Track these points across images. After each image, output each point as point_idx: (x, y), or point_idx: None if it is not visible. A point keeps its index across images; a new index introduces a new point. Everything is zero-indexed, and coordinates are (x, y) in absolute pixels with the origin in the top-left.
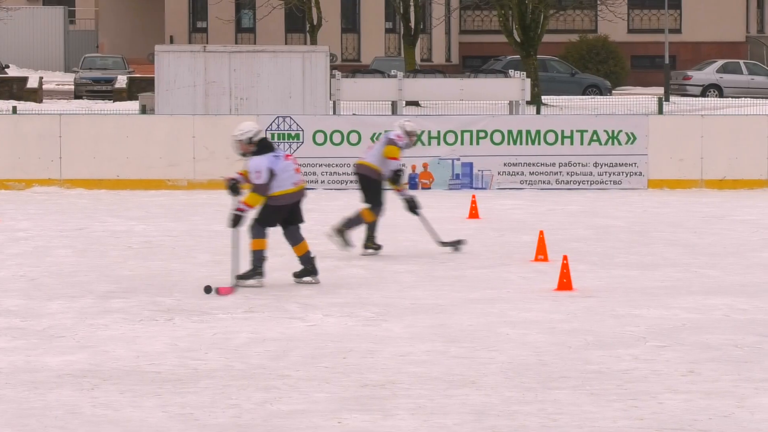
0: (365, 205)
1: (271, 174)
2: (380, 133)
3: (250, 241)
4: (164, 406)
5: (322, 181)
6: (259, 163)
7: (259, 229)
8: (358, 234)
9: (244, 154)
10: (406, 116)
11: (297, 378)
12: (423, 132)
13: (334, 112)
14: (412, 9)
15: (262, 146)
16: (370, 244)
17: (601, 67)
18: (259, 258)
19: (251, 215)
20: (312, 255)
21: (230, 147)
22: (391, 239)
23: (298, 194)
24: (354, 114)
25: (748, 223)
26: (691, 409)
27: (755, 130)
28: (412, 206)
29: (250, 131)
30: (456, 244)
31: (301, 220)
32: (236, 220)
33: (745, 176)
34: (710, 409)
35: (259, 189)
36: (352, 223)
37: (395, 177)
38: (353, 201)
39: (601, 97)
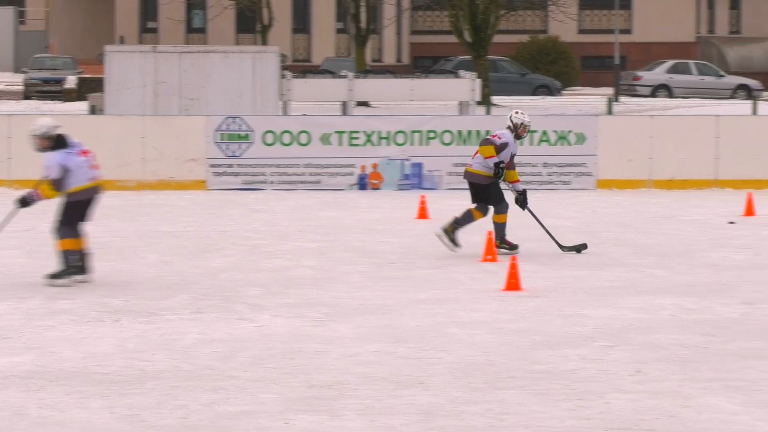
0: (491, 210)
1: (65, 170)
2: (330, 134)
3: (58, 242)
4: (111, 407)
5: (272, 182)
6: (51, 159)
7: (64, 230)
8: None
9: (40, 150)
10: (517, 108)
11: (244, 379)
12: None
13: (284, 113)
14: (363, 9)
15: (57, 142)
16: (499, 243)
17: (551, 68)
18: (70, 257)
19: (41, 203)
20: (84, 254)
21: (180, 147)
22: (340, 240)
23: (94, 189)
24: (304, 114)
25: (696, 223)
26: (638, 408)
27: (704, 130)
28: (520, 200)
29: (44, 126)
30: (578, 248)
31: (89, 218)
32: (23, 202)
33: (693, 176)
34: (657, 408)
35: (54, 184)
36: (499, 232)
37: (497, 172)
38: (303, 201)
39: (551, 97)
